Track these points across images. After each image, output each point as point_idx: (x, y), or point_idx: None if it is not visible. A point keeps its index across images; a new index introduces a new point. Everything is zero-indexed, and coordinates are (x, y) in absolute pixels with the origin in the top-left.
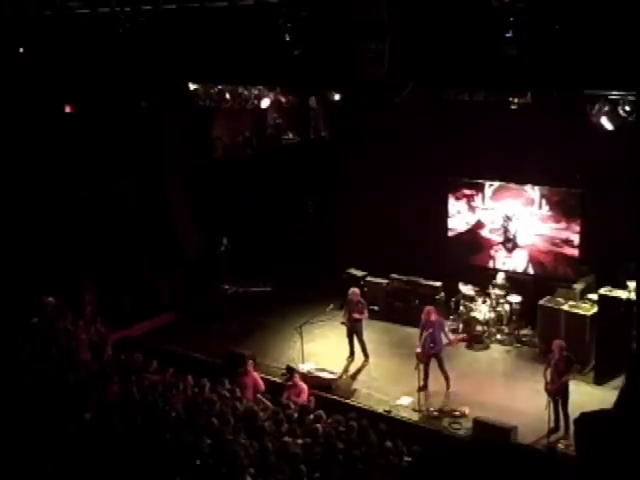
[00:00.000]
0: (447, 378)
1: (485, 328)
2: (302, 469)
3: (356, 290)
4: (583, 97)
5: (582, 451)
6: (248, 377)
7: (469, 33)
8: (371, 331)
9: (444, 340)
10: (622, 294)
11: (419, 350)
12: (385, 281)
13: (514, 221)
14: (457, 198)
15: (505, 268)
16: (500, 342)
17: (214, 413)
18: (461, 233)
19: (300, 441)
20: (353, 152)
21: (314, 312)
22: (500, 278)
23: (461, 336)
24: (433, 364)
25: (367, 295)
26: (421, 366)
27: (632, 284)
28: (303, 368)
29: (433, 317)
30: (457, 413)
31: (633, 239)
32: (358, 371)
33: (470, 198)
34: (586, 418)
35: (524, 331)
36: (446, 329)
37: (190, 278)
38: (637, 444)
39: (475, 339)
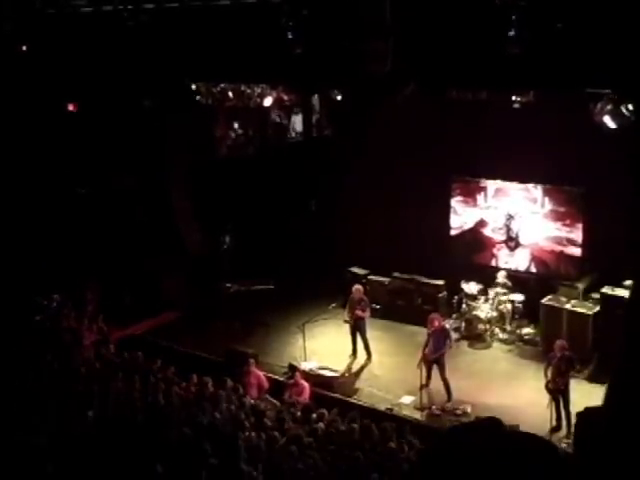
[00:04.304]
0: (448, 388)
1: (487, 327)
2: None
3: (359, 288)
4: (586, 95)
5: (579, 447)
6: (252, 375)
7: (471, 32)
8: (373, 329)
9: (447, 347)
10: (624, 293)
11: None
12: (387, 279)
13: (516, 220)
14: (460, 196)
15: (507, 267)
16: (502, 341)
17: (218, 410)
18: (464, 232)
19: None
20: (356, 150)
21: (316, 310)
22: (501, 277)
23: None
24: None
25: (369, 293)
26: (423, 365)
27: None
28: (305, 366)
29: (436, 323)
30: (459, 411)
31: (634, 237)
32: (360, 369)
33: (473, 196)
34: (588, 413)
35: (526, 330)
36: (452, 338)
37: (192, 276)
38: (626, 440)
39: (477, 337)
